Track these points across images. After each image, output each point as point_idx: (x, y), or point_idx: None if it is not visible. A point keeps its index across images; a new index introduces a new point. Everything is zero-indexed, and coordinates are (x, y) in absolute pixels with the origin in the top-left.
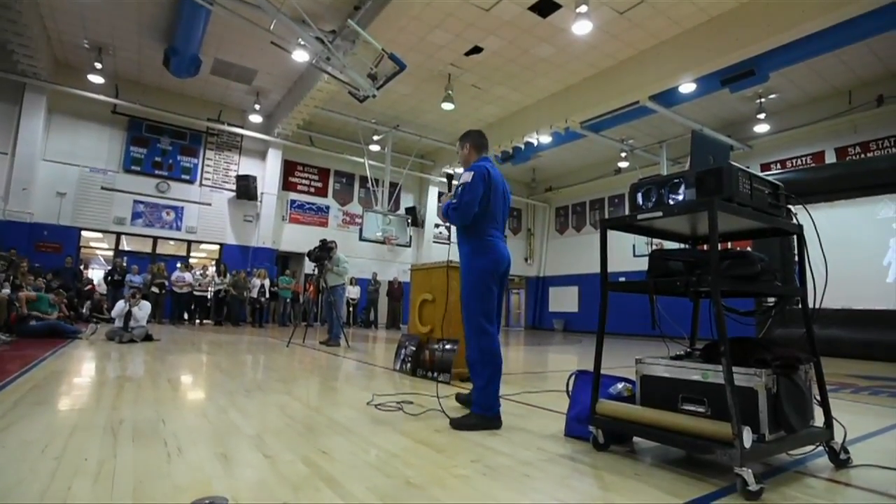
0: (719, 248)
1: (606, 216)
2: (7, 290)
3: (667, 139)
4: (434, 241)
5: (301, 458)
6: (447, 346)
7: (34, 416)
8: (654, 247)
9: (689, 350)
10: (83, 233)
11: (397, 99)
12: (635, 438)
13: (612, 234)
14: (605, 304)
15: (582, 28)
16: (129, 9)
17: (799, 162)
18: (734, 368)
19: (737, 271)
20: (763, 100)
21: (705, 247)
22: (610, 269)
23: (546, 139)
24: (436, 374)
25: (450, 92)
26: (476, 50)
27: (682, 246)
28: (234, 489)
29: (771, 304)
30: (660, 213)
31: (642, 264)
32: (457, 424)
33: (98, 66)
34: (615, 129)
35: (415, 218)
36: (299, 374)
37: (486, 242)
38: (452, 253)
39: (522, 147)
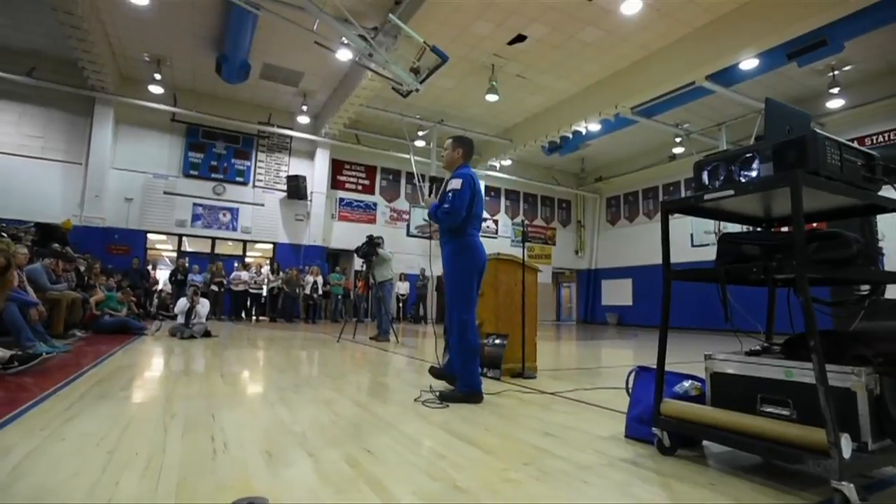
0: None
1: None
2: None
3: (726, 121)
4: (482, 236)
5: (345, 458)
6: (497, 341)
7: (96, 408)
8: (717, 234)
9: (766, 345)
10: (149, 235)
11: (441, 93)
12: (705, 442)
13: (671, 223)
14: (668, 293)
15: (631, 7)
16: (182, 21)
17: (880, 139)
18: (827, 366)
19: (826, 255)
20: (836, 72)
21: (784, 229)
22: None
23: (595, 127)
24: (485, 370)
25: (494, 83)
26: (519, 38)
27: (749, 230)
28: (275, 490)
29: (864, 293)
30: (731, 192)
31: (702, 255)
32: (443, 397)
33: (157, 77)
34: (669, 112)
35: None
36: (348, 369)
37: (468, 241)
38: (499, 246)
39: (570, 136)
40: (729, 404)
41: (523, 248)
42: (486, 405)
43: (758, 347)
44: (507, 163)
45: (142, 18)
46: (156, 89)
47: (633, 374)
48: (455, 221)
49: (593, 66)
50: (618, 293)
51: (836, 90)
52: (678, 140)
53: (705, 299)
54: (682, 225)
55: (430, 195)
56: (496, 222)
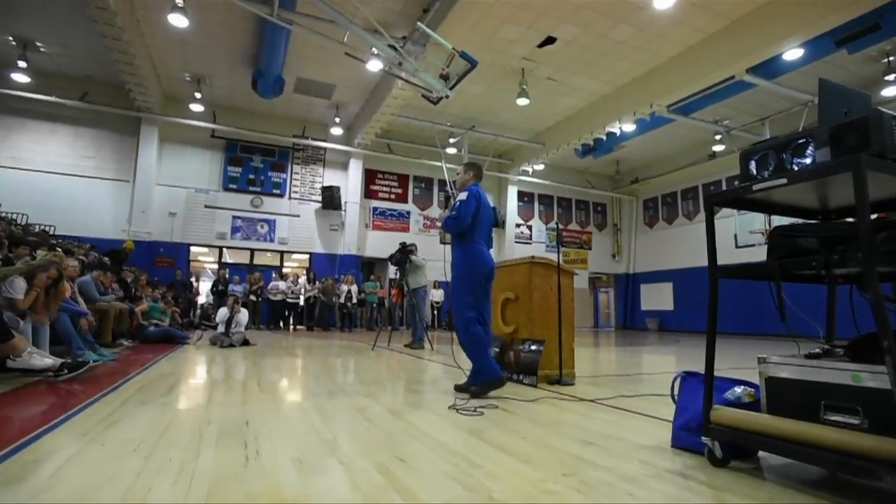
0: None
1: (702, 205)
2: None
3: (770, 115)
4: (516, 241)
5: (376, 466)
6: (532, 347)
7: (136, 415)
8: (765, 233)
9: (827, 347)
10: (192, 248)
11: (471, 99)
12: (761, 453)
13: (714, 219)
14: (714, 292)
15: (664, 1)
16: (220, 40)
17: None
18: None
19: None
20: (892, 58)
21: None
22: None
23: (630, 128)
24: (521, 377)
25: (524, 87)
26: (549, 41)
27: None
28: (305, 498)
29: None
30: (783, 181)
31: (747, 257)
32: (466, 389)
33: (198, 95)
34: (707, 109)
35: (495, 219)
36: (383, 377)
37: (474, 248)
38: (533, 251)
39: (604, 138)
40: (787, 412)
41: (558, 250)
42: (522, 412)
43: (817, 350)
44: (540, 167)
45: (182, 39)
46: (196, 107)
47: (678, 380)
48: (461, 227)
49: (626, 65)
50: (658, 298)
51: (891, 77)
52: (718, 137)
53: (752, 303)
54: (725, 226)
55: (444, 210)
56: (530, 228)
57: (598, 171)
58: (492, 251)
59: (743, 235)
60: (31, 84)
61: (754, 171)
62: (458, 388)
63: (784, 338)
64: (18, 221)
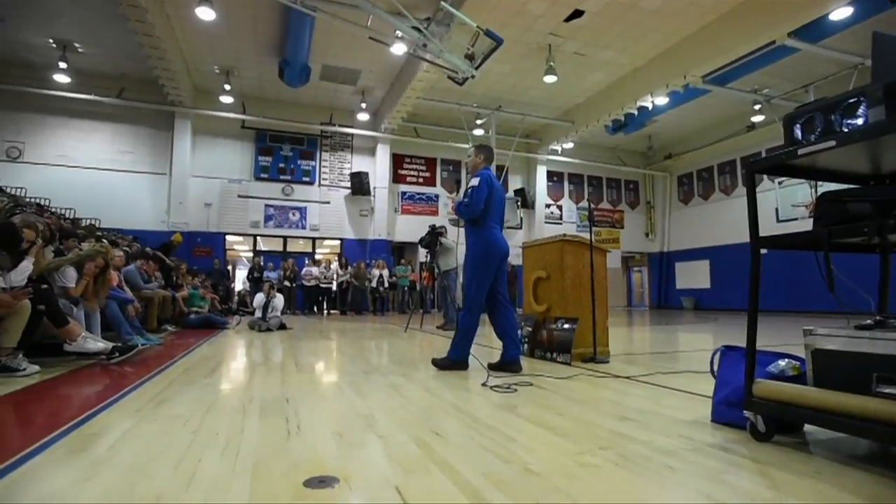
0: None
1: (740, 179)
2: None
3: (814, 81)
4: (546, 222)
5: (414, 440)
6: (565, 325)
7: (183, 393)
8: (809, 206)
9: (879, 318)
10: (227, 237)
11: (497, 79)
12: (807, 427)
13: (744, 201)
14: (757, 263)
15: None
16: (246, 31)
17: None
18: None
19: None
20: None
21: None
22: (748, 239)
23: (662, 101)
24: (554, 355)
25: (551, 64)
26: (576, 14)
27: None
28: (345, 469)
29: None
30: (832, 143)
31: (788, 231)
32: (436, 362)
33: (227, 87)
34: (745, 78)
35: (524, 199)
36: (416, 357)
37: (487, 233)
38: (563, 230)
39: (636, 113)
40: (835, 385)
41: (590, 228)
42: (557, 389)
43: (869, 322)
44: (569, 146)
45: (210, 32)
46: (226, 99)
47: (718, 355)
48: (474, 213)
49: (658, 36)
50: (694, 276)
51: None
52: (757, 107)
53: (794, 279)
54: (765, 199)
55: (456, 194)
56: (560, 208)
57: (630, 147)
58: (521, 232)
59: (785, 209)
60: (72, 84)
61: (799, 136)
62: (435, 363)
63: (831, 314)
64: (67, 216)
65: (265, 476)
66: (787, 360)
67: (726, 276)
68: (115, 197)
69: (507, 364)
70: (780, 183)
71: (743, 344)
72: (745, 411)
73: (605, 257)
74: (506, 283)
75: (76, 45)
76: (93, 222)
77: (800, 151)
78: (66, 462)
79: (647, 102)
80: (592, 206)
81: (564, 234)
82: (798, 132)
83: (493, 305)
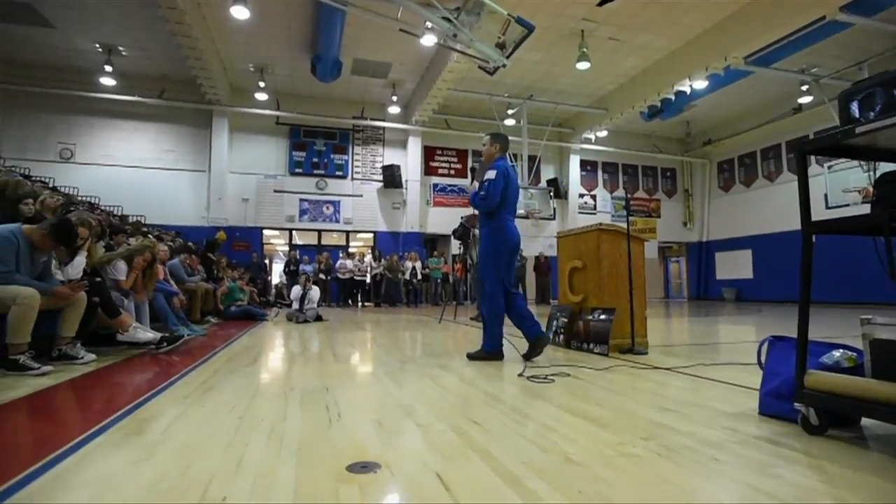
0: None
1: (785, 164)
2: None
3: (868, 58)
4: (580, 212)
5: (452, 428)
6: (602, 316)
7: (227, 381)
8: (857, 191)
9: None
10: (264, 231)
11: (529, 67)
12: (864, 421)
13: (796, 185)
14: (809, 248)
15: None
16: (279, 30)
17: None
18: None
19: None
20: None
21: None
22: (794, 227)
23: (701, 85)
24: (591, 346)
25: (584, 50)
26: None
27: None
28: (386, 455)
29: None
30: (895, 120)
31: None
32: (471, 356)
33: (261, 84)
34: (792, 57)
35: (557, 189)
36: (451, 348)
37: (502, 224)
38: (598, 221)
39: (672, 98)
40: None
41: (627, 217)
42: (595, 380)
43: None
44: (603, 134)
45: (245, 31)
46: (261, 96)
47: (766, 345)
48: (490, 206)
49: (696, 17)
50: (735, 266)
51: None
52: (805, 88)
53: (847, 270)
54: (813, 185)
55: (471, 184)
56: (594, 197)
57: (667, 134)
58: (553, 223)
59: (835, 195)
60: (117, 86)
61: (857, 114)
62: (470, 356)
63: (884, 305)
64: (115, 213)
65: (309, 460)
66: (841, 350)
67: (770, 266)
68: (158, 194)
69: (535, 343)
70: (829, 167)
71: (790, 335)
72: (796, 404)
73: (643, 246)
74: (513, 271)
75: (120, 48)
76: (139, 219)
77: (858, 130)
78: (124, 444)
79: (685, 87)
80: (628, 196)
81: (601, 223)
82: (855, 110)
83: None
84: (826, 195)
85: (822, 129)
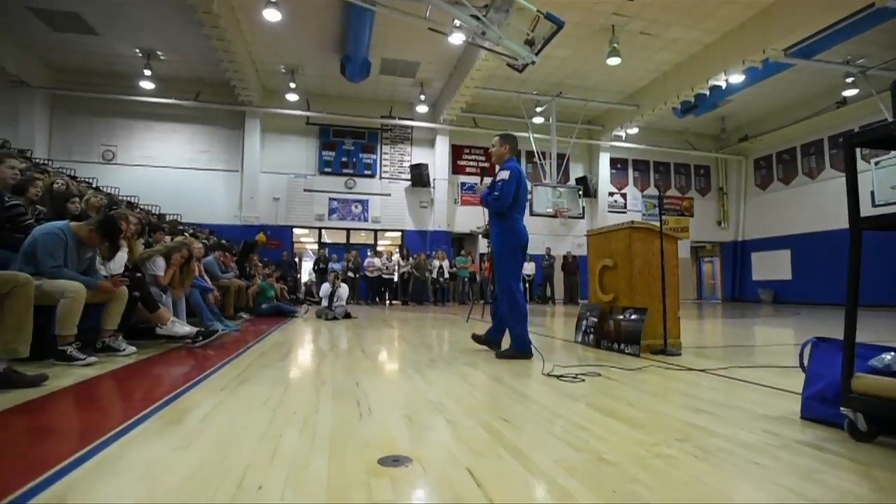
0: None
1: (828, 160)
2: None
3: None
4: (609, 211)
5: (482, 425)
6: (633, 316)
7: (260, 375)
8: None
9: None
10: (294, 230)
11: (558, 64)
12: None
13: (839, 182)
14: (857, 246)
15: None
16: (310, 31)
17: None
18: None
19: None
20: None
21: None
22: (836, 226)
23: (737, 79)
24: (622, 346)
25: (615, 45)
26: None
27: None
28: (417, 450)
29: None
30: None
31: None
32: (501, 356)
33: (292, 85)
34: (836, 48)
35: (586, 188)
36: (479, 346)
37: (513, 224)
38: (628, 220)
39: (707, 93)
40: None
41: (660, 214)
42: (627, 380)
43: None
44: (634, 131)
45: (276, 33)
46: (291, 97)
47: (808, 347)
48: (503, 206)
49: (732, 8)
50: (772, 266)
51: None
52: (850, 80)
53: (886, 271)
54: (860, 182)
55: (481, 184)
56: (624, 196)
57: (700, 130)
58: (583, 222)
59: (882, 192)
60: (155, 90)
61: None
62: (499, 355)
63: None
64: (153, 212)
65: (341, 453)
66: (893, 353)
67: (811, 267)
68: (193, 193)
69: (491, 341)
70: (876, 163)
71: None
72: (842, 408)
73: (677, 245)
74: (520, 269)
75: (159, 52)
76: (175, 217)
77: None
78: (165, 432)
79: (721, 81)
80: (660, 193)
81: (633, 221)
82: None
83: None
84: (873, 192)
85: (869, 122)
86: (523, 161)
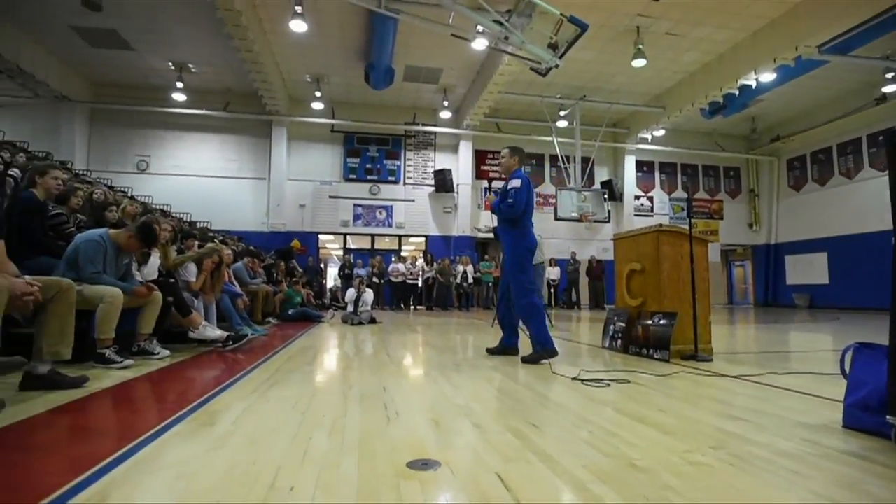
0: None
1: (866, 159)
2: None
3: None
4: (636, 214)
5: (510, 430)
6: (662, 321)
7: (289, 379)
8: None
9: None
10: (320, 236)
11: (581, 67)
12: None
13: (879, 182)
14: None
15: None
16: (334, 40)
17: None
18: None
19: None
20: None
21: None
22: (878, 227)
23: (768, 77)
24: (651, 352)
25: (640, 46)
26: None
27: None
28: (445, 454)
29: None
30: None
31: None
32: (526, 359)
33: (318, 94)
34: (874, 43)
35: (611, 191)
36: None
37: (525, 230)
38: (655, 224)
39: (737, 93)
40: None
41: (689, 217)
42: (657, 386)
43: None
44: (660, 133)
45: (302, 44)
46: (317, 105)
47: (850, 353)
48: (516, 213)
49: (762, 6)
50: (808, 270)
51: None
52: (890, 76)
53: None
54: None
55: (490, 194)
56: (651, 199)
57: (730, 131)
58: (608, 226)
59: None
60: (186, 101)
61: None
62: (526, 360)
63: None
64: (185, 219)
65: (370, 456)
66: None
67: (849, 271)
68: (222, 201)
69: (507, 349)
70: None
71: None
72: (888, 417)
73: (707, 248)
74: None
75: (190, 65)
76: (205, 225)
77: None
78: (198, 433)
79: (751, 80)
80: (689, 194)
81: (661, 224)
82: None
83: (505, 297)
84: None
85: None
86: (547, 165)
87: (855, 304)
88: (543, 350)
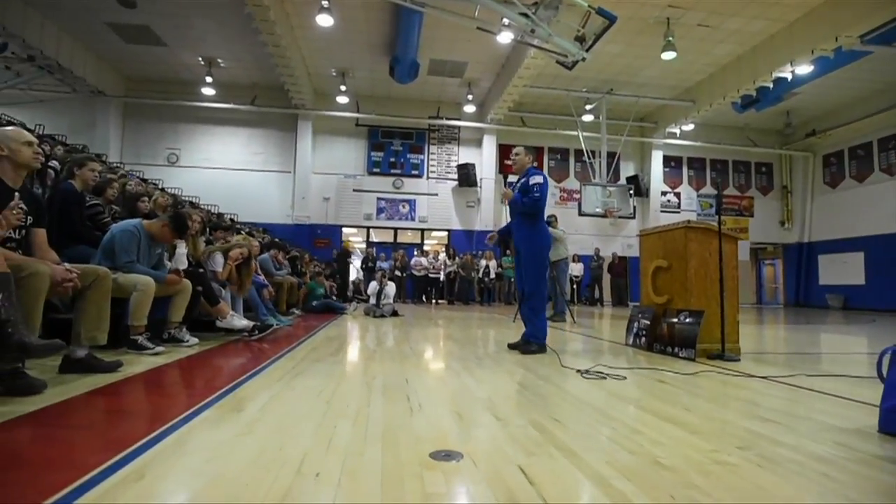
0: None
1: None
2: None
3: None
4: (662, 210)
5: (532, 424)
6: (688, 319)
7: (314, 369)
8: None
9: None
10: (343, 229)
11: (608, 61)
12: None
13: None
14: None
15: None
16: (360, 35)
17: None
18: None
19: None
20: None
21: None
22: None
23: (805, 70)
24: (676, 350)
25: (670, 39)
26: None
27: None
28: (467, 446)
29: None
30: None
31: None
32: (524, 351)
33: (343, 88)
34: None
35: (637, 187)
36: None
37: (541, 225)
38: (682, 220)
39: (771, 86)
40: None
41: (718, 213)
42: (682, 385)
43: None
44: (689, 127)
45: (328, 38)
46: (342, 99)
47: (888, 355)
48: (542, 206)
49: None
50: (843, 270)
51: None
52: None
53: None
54: None
55: (507, 188)
56: (678, 195)
57: (762, 125)
58: (633, 222)
59: None
60: (215, 96)
61: None
62: (524, 351)
63: None
64: (213, 211)
65: (393, 445)
66: None
67: (887, 270)
68: (249, 194)
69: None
70: None
71: None
72: None
73: (736, 245)
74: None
75: (219, 60)
76: (232, 217)
77: None
78: (226, 419)
79: (786, 73)
80: (719, 190)
81: (689, 221)
82: None
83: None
84: None
85: None
86: (571, 160)
87: (892, 306)
88: (535, 341)
